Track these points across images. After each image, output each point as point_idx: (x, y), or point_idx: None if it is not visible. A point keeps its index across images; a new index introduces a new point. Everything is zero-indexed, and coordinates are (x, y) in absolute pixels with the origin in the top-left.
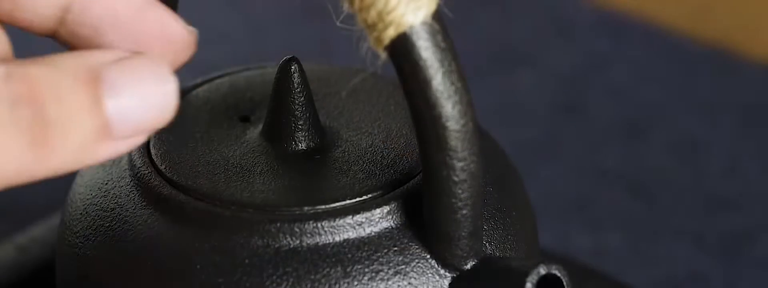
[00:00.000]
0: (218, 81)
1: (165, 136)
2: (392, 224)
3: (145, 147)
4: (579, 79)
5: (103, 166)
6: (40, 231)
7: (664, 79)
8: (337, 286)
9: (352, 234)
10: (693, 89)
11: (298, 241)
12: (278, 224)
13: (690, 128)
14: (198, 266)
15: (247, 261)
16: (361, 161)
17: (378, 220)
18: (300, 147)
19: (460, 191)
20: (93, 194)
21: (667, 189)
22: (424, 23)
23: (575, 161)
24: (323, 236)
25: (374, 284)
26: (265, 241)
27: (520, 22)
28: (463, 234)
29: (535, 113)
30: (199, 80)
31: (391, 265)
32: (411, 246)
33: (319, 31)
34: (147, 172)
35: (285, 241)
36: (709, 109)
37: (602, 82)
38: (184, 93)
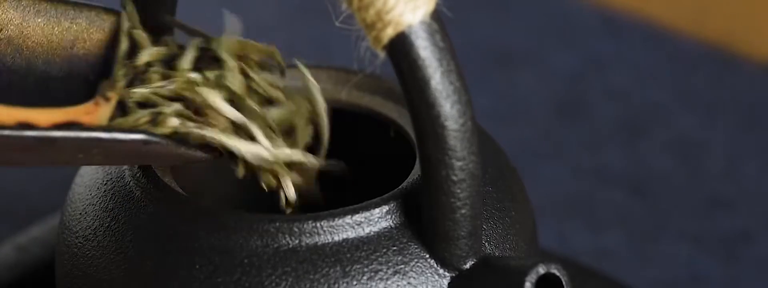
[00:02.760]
0: None
1: None
2: (391, 224)
3: None
4: (579, 79)
5: (102, 166)
6: (40, 231)
7: (664, 79)
8: (336, 285)
9: (351, 234)
10: (693, 89)
11: (297, 241)
12: (277, 224)
13: (690, 128)
14: (197, 266)
15: (246, 261)
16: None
17: (377, 219)
18: None
19: (459, 191)
20: (92, 194)
21: (666, 189)
22: (422, 22)
23: (575, 161)
24: (322, 236)
25: (373, 284)
26: (264, 240)
27: (521, 22)
28: (462, 233)
29: (535, 113)
30: None
31: (390, 264)
32: (410, 245)
33: (318, 30)
34: (146, 172)
35: (284, 241)
36: (709, 109)
37: (602, 82)
38: None
